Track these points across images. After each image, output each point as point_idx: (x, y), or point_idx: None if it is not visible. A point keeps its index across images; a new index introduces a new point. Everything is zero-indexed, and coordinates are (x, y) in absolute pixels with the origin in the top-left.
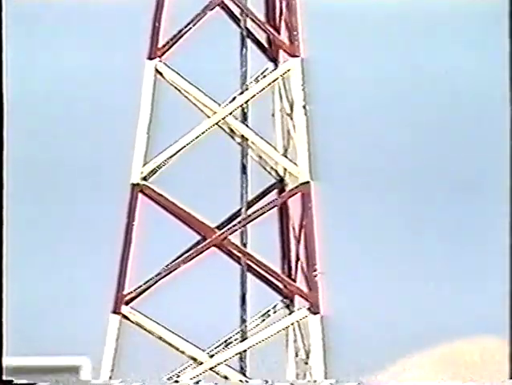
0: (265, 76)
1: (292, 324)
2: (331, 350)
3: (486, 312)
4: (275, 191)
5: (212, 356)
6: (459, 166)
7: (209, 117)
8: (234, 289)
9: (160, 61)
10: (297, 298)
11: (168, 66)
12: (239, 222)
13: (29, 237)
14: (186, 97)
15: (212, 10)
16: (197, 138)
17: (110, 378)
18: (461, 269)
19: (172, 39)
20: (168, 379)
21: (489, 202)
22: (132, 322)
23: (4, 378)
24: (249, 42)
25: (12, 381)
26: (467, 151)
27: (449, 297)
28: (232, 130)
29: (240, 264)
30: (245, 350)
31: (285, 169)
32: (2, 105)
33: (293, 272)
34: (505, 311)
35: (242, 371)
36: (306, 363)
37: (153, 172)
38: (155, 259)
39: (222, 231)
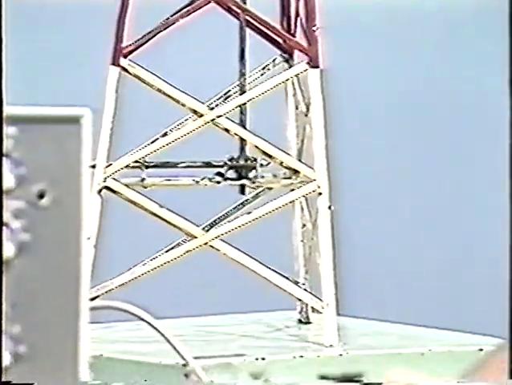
0: None
1: (291, 77)
2: (330, 103)
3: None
4: None
5: (212, 109)
6: None
7: None
8: (234, 47)
9: None
10: (297, 55)
11: None
12: None
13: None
14: None
15: None
16: None
17: (112, 126)
18: None
19: None
20: (170, 130)
21: None
22: (130, 74)
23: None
24: None
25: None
26: None
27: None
28: None
29: (239, 19)
30: (245, 103)
31: None
32: (1, 103)
33: (292, 28)
34: None
35: (242, 124)
36: (306, 116)
37: None
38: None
39: None
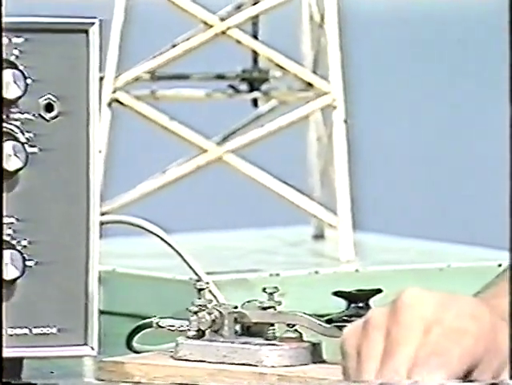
0: None
1: None
2: (346, 14)
3: None
4: None
5: (223, 20)
6: None
7: None
8: None
9: None
10: None
11: None
12: None
13: None
14: None
15: None
16: None
17: (121, 35)
18: None
19: None
20: (179, 43)
21: None
22: None
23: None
24: None
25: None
26: None
27: None
28: None
29: None
30: (257, 15)
31: None
32: (1, 102)
33: None
34: None
35: (255, 35)
36: (321, 27)
37: None
38: None
39: None
